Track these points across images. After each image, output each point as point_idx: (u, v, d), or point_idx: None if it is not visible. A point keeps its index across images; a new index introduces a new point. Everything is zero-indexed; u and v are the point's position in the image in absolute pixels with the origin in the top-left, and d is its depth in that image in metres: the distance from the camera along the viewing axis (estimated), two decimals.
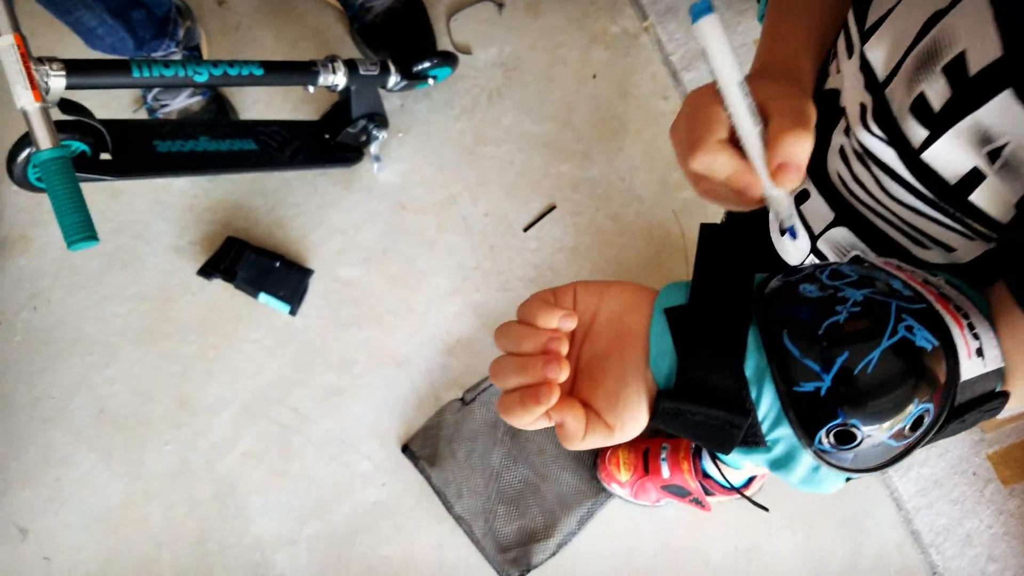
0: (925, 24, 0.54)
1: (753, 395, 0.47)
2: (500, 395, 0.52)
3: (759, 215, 0.87)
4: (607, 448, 1.54)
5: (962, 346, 0.46)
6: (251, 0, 1.80)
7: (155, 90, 1.66)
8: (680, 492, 1.49)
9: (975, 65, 0.50)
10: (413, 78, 1.60)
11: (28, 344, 1.64)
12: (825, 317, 0.45)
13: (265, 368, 1.63)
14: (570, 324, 0.51)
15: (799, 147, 0.55)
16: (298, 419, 1.61)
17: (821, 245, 0.75)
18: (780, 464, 0.49)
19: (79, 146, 1.25)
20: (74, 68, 1.16)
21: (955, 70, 0.52)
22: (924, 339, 0.45)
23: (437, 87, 1.72)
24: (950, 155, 0.54)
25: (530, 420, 0.50)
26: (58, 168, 1.08)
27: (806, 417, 0.45)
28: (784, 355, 0.46)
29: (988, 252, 0.61)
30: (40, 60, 1.13)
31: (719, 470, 1.42)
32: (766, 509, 1.47)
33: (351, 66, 1.48)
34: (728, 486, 1.45)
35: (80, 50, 1.49)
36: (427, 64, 1.60)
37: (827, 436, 0.45)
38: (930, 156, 0.56)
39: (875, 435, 0.45)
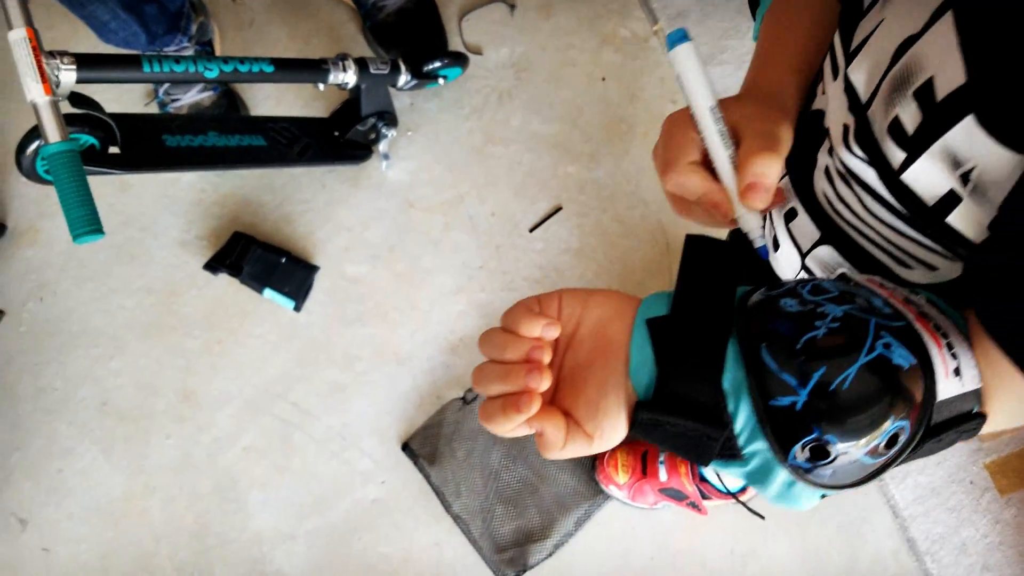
0: (899, 48, 0.55)
1: (731, 408, 0.47)
2: (482, 401, 0.52)
3: None
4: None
5: (940, 365, 0.46)
6: None
7: (166, 85, 1.67)
8: (677, 496, 1.49)
9: (941, 91, 0.51)
10: (423, 77, 1.61)
11: (33, 335, 1.65)
12: (804, 332, 0.45)
13: (269, 363, 1.63)
14: (553, 333, 0.51)
15: (767, 169, 0.58)
16: (300, 415, 1.61)
17: (809, 262, 0.76)
18: (756, 478, 0.48)
19: (88, 139, 1.26)
20: (84, 62, 1.16)
21: (924, 95, 0.53)
22: (902, 357, 0.45)
23: (447, 86, 1.73)
24: (927, 177, 0.55)
25: (511, 428, 0.50)
26: (66, 161, 1.08)
27: (781, 431, 0.45)
28: (762, 368, 0.46)
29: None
30: (51, 54, 1.13)
31: (716, 475, 1.42)
32: (762, 517, 1.47)
33: (361, 65, 1.48)
34: (725, 491, 1.45)
35: (96, 43, 1.50)
36: (438, 64, 1.60)
37: (802, 451, 0.45)
38: (909, 177, 0.56)
39: (850, 451, 0.45)
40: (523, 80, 1.75)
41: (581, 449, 0.51)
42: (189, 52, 1.63)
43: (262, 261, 1.62)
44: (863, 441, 0.45)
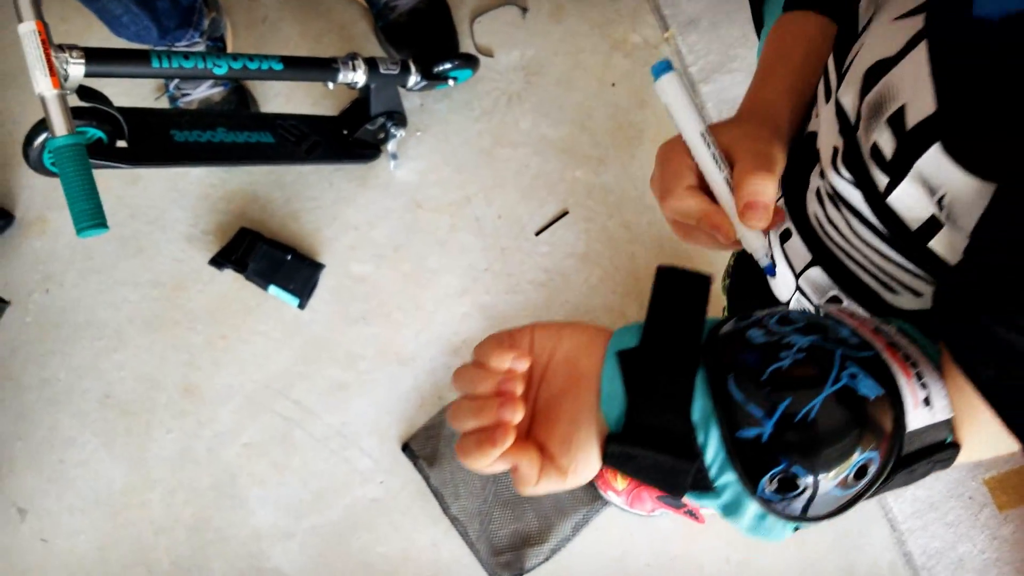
0: (872, 70, 0.56)
1: (700, 439, 0.46)
2: (459, 438, 0.51)
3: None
4: None
5: (909, 395, 0.46)
6: None
7: (176, 80, 1.67)
8: (675, 503, 1.49)
9: (912, 119, 0.51)
10: (433, 78, 1.61)
11: (39, 325, 1.66)
12: (769, 363, 0.45)
13: (271, 360, 1.64)
14: (522, 365, 0.51)
15: (762, 187, 0.58)
16: (301, 412, 1.61)
17: (802, 283, 0.76)
18: (729, 510, 0.48)
19: (95, 133, 1.26)
20: (93, 56, 1.17)
21: (896, 122, 0.53)
22: (868, 387, 0.44)
23: (458, 88, 1.73)
24: (910, 201, 0.55)
25: (487, 463, 0.49)
26: (71, 155, 1.08)
27: (749, 463, 0.45)
28: (729, 400, 0.45)
29: None
30: (60, 47, 1.13)
31: None
32: None
33: (371, 64, 1.48)
34: None
35: (110, 37, 1.50)
36: (448, 65, 1.60)
37: (770, 483, 0.45)
38: (894, 200, 0.56)
39: (819, 483, 0.45)
40: (533, 83, 1.75)
41: (555, 484, 0.50)
42: (200, 47, 1.63)
43: (267, 258, 1.62)
44: (831, 473, 0.44)
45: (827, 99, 0.65)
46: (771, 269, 0.63)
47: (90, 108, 1.24)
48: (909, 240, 0.57)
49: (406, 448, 1.59)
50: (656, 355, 0.48)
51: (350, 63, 1.45)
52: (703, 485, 0.47)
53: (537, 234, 1.68)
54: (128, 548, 1.58)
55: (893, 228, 0.58)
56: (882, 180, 0.56)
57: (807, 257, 0.73)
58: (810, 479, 0.44)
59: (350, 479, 1.59)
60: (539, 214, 1.69)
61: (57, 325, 1.66)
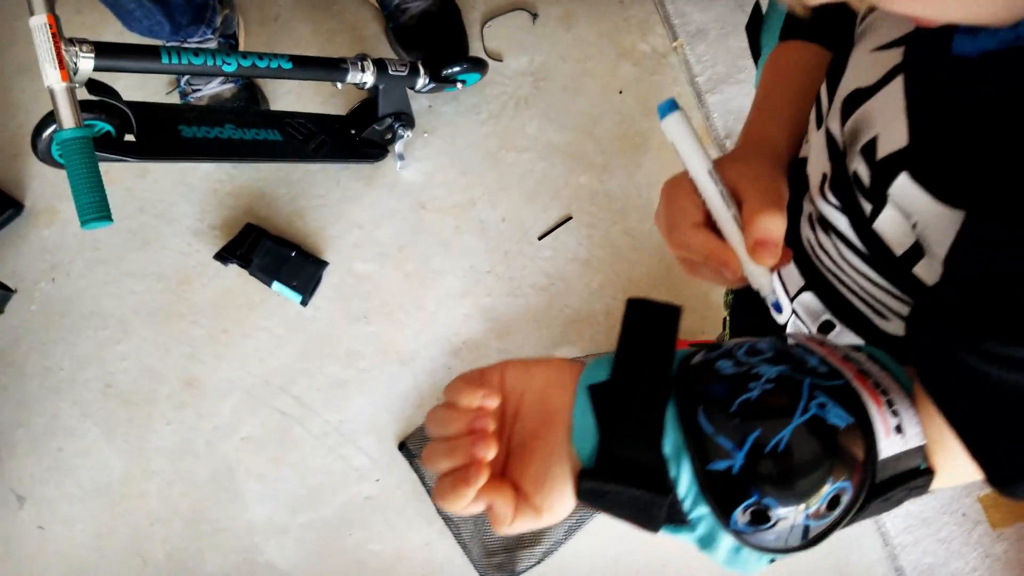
0: (850, 98, 0.56)
1: (672, 473, 0.46)
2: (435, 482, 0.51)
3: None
4: None
5: (880, 424, 0.46)
6: None
7: (187, 75, 1.68)
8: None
9: (883, 150, 0.52)
10: (442, 81, 1.62)
11: (44, 314, 1.67)
12: (738, 394, 0.45)
13: (272, 356, 1.65)
14: (493, 402, 0.50)
15: (773, 225, 0.58)
16: (300, 409, 1.63)
17: (796, 308, 0.76)
18: (705, 543, 0.48)
19: (103, 126, 1.27)
20: (103, 50, 1.18)
21: (868, 152, 0.54)
22: (837, 417, 0.44)
23: (466, 91, 1.74)
24: (894, 227, 0.55)
25: (464, 504, 0.48)
26: (78, 148, 1.10)
27: (721, 496, 0.45)
28: (699, 432, 0.45)
29: None
30: (71, 41, 1.15)
31: None
32: None
33: (380, 65, 1.49)
34: None
35: (124, 31, 1.52)
36: (456, 68, 1.61)
37: (743, 515, 0.45)
38: (879, 226, 0.56)
39: (791, 515, 0.44)
40: (541, 88, 1.76)
41: (530, 523, 0.50)
42: (212, 44, 1.65)
43: (272, 254, 1.63)
44: (804, 504, 0.44)
45: (818, 125, 0.66)
46: (777, 306, 0.63)
47: (99, 102, 1.25)
48: (894, 266, 0.57)
49: (403, 447, 1.60)
50: (627, 388, 0.48)
51: (359, 64, 1.46)
52: (678, 519, 0.47)
53: (540, 238, 1.69)
54: (124, 538, 1.59)
55: (879, 254, 0.58)
56: (867, 206, 0.56)
57: (800, 282, 0.74)
58: (782, 510, 0.44)
59: (346, 476, 1.60)
60: (543, 218, 1.70)
61: (62, 314, 1.67)
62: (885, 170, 0.52)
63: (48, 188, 1.72)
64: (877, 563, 1.56)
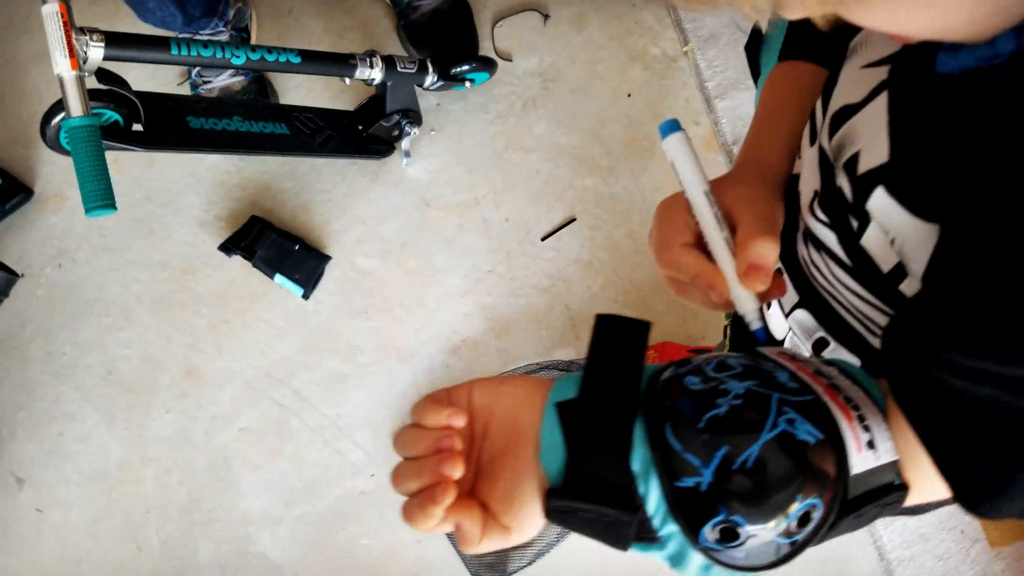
0: (838, 114, 0.56)
1: (641, 490, 0.45)
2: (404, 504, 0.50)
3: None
4: None
5: (851, 439, 0.45)
6: None
7: (198, 67, 1.69)
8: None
9: (863, 166, 0.52)
10: (450, 79, 1.62)
11: (49, 299, 1.69)
12: (706, 410, 0.45)
13: (273, 348, 1.66)
14: (459, 421, 0.50)
15: (766, 251, 0.58)
16: (298, 401, 1.63)
17: (791, 324, 0.75)
18: (675, 561, 0.47)
19: (112, 115, 1.28)
20: (113, 40, 1.18)
21: (850, 167, 0.54)
22: (807, 433, 0.44)
23: (475, 90, 1.74)
24: (879, 245, 0.55)
25: (432, 524, 0.48)
26: (85, 136, 1.11)
27: (689, 513, 0.44)
28: (667, 449, 0.45)
29: None
30: (82, 30, 1.15)
31: None
32: None
33: (389, 62, 1.50)
34: None
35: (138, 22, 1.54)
36: (465, 67, 1.61)
37: (712, 532, 0.44)
38: (866, 243, 0.56)
39: (761, 532, 0.44)
40: (550, 90, 1.76)
41: (499, 542, 0.49)
42: (224, 37, 1.66)
43: (276, 247, 1.64)
44: (773, 521, 0.44)
45: (812, 142, 0.65)
46: (761, 333, 0.62)
47: (108, 91, 1.26)
48: (882, 283, 0.57)
49: None
50: (595, 405, 0.47)
51: (368, 60, 1.47)
52: (648, 536, 0.47)
53: (543, 239, 1.69)
54: (120, 523, 1.60)
55: (867, 270, 0.58)
56: (854, 223, 0.56)
57: (794, 298, 0.73)
58: (751, 528, 0.43)
59: (342, 471, 1.61)
60: (546, 219, 1.70)
61: (66, 300, 1.69)
62: (864, 185, 0.52)
63: (58, 175, 1.74)
64: None
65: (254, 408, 1.63)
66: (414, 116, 1.62)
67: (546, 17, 1.79)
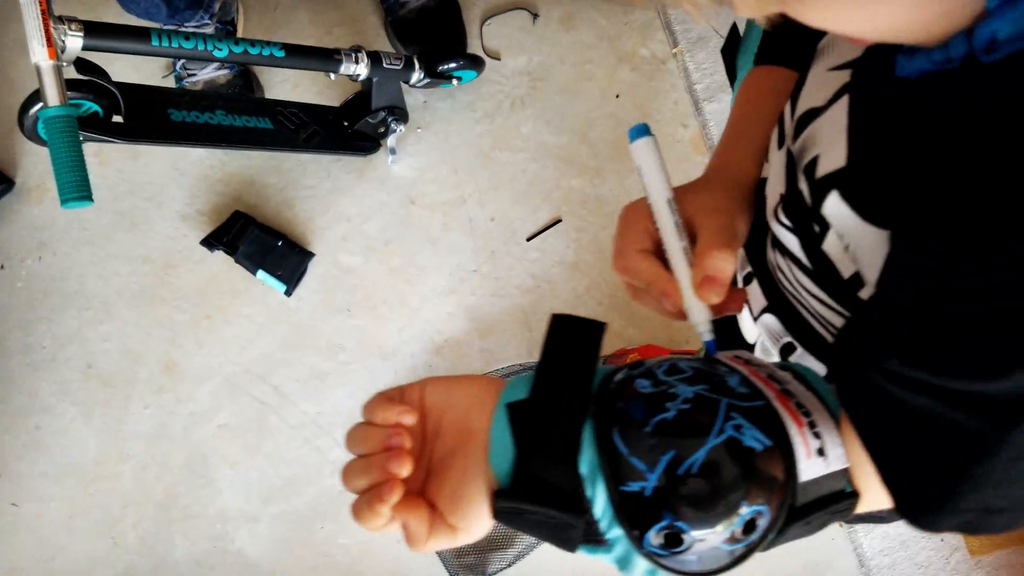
0: (802, 118, 0.56)
1: (588, 493, 0.45)
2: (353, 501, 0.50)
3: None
4: None
5: (800, 445, 0.45)
6: None
7: (183, 59, 1.68)
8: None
9: (821, 170, 0.51)
10: (437, 77, 1.61)
11: (29, 292, 1.67)
12: (654, 414, 0.44)
13: (253, 344, 1.65)
14: (409, 419, 0.50)
15: (723, 264, 0.57)
16: (278, 398, 1.62)
17: (760, 328, 0.75)
18: (622, 565, 0.47)
19: (91, 106, 1.27)
20: (92, 30, 1.17)
21: (809, 172, 0.53)
22: (754, 439, 0.43)
23: (462, 88, 1.73)
24: (838, 249, 0.54)
25: (380, 522, 0.48)
26: (61, 126, 1.09)
27: (634, 517, 0.44)
28: (614, 452, 0.44)
29: None
30: (60, 19, 1.14)
31: None
32: None
33: (374, 58, 1.48)
34: None
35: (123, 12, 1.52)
36: (452, 65, 1.60)
37: (656, 537, 0.44)
38: (827, 248, 0.55)
39: (706, 538, 0.43)
40: (538, 89, 1.75)
41: (446, 542, 0.49)
42: (209, 30, 1.64)
43: (258, 242, 1.63)
44: (718, 527, 0.43)
45: (780, 145, 0.65)
46: (711, 345, 0.62)
47: (87, 81, 1.25)
48: (842, 288, 0.57)
49: None
50: (546, 406, 0.47)
51: (353, 55, 1.45)
52: (595, 539, 0.46)
53: (528, 239, 1.68)
54: (96, 518, 1.59)
55: (828, 275, 0.58)
56: (816, 227, 0.56)
57: (763, 303, 0.73)
58: (696, 533, 0.43)
59: (321, 469, 1.60)
60: (532, 220, 1.69)
61: (46, 292, 1.67)
62: (821, 189, 0.51)
63: (40, 166, 1.72)
64: None
65: (233, 404, 1.62)
66: (400, 113, 1.61)
67: (535, 16, 1.78)
